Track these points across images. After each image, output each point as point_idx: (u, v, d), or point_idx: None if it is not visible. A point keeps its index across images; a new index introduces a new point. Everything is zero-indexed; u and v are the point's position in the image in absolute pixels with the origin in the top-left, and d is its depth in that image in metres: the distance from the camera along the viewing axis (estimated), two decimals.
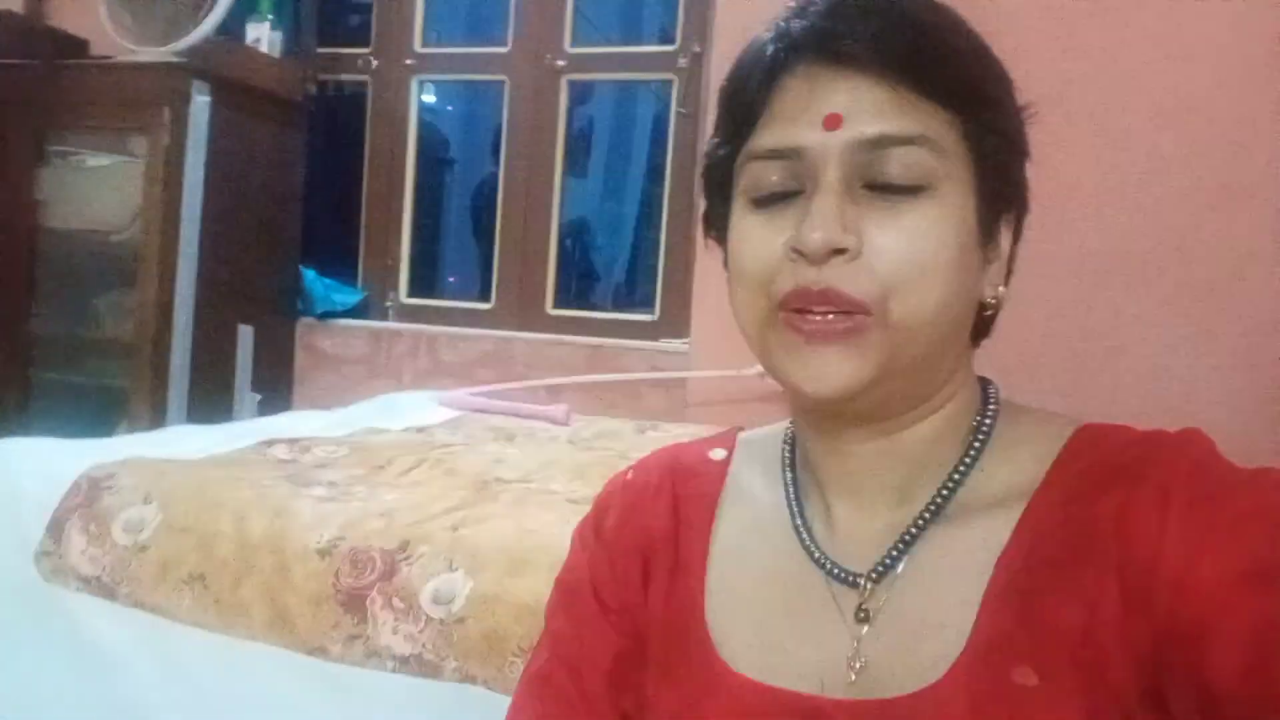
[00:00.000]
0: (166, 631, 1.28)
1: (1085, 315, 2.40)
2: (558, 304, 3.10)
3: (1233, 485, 0.56)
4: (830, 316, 0.60)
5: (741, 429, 0.83)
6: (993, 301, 0.67)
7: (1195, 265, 2.22)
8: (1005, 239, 0.66)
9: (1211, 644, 0.52)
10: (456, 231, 3.88)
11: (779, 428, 0.78)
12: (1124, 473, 0.59)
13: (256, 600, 1.26)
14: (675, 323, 2.82)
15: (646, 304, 3.02)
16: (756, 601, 0.69)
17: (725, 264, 0.69)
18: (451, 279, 4.00)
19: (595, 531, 0.79)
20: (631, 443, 2.17)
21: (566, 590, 0.79)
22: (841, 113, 0.60)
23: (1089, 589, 0.56)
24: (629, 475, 0.81)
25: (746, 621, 0.68)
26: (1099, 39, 2.26)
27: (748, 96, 0.64)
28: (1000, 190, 0.64)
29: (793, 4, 0.64)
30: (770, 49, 0.63)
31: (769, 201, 0.64)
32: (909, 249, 0.60)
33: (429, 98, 3.45)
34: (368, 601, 1.23)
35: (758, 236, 0.64)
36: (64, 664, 1.30)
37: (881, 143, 0.60)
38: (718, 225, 0.70)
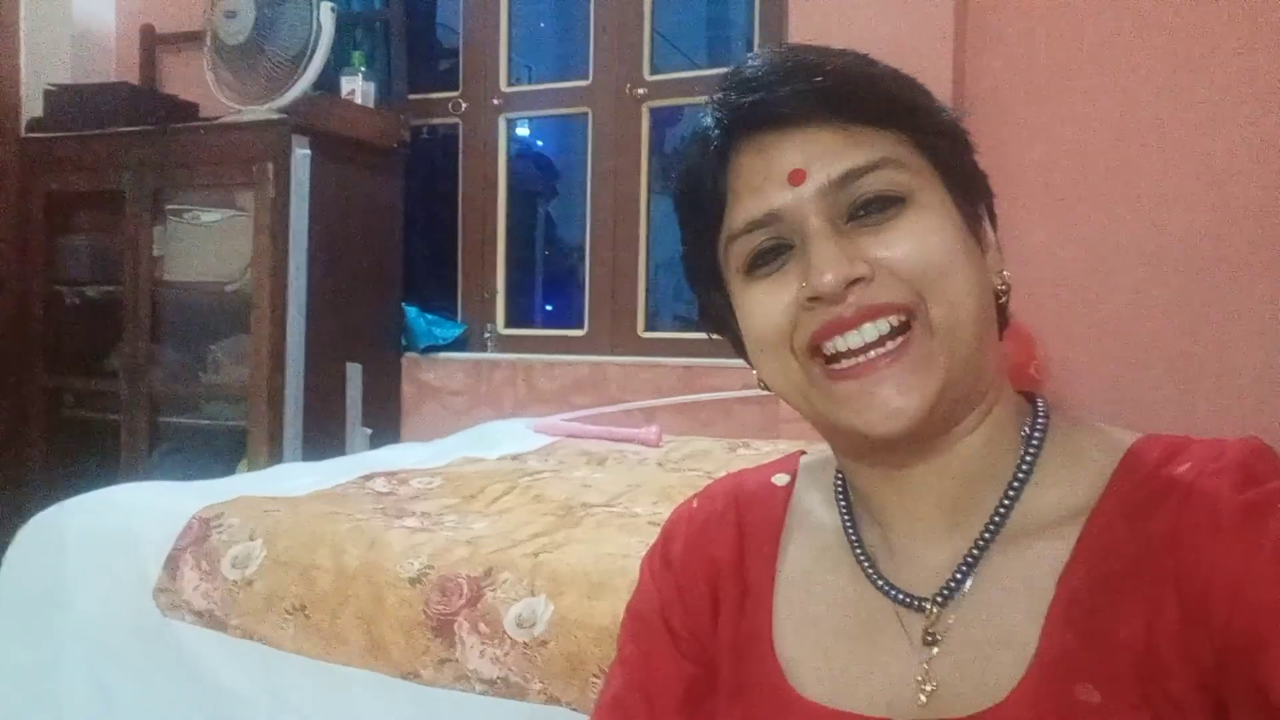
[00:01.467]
0: (273, 660, 1.36)
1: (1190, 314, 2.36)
2: (649, 327, 3.15)
3: None
4: (872, 354, 0.62)
5: (804, 451, 0.83)
6: (1003, 289, 0.68)
7: None
8: (987, 228, 0.68)
9: (1269, 656, 0.52)
10: (549, 261, 3.97)
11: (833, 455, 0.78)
12: (1180, 483, 0.59)
13: (353, 628, 1.33)
14: None
15: None
16: (824, 627, 0.70)
17: (736, 348, 0.71)
18: (549, 307, 4.08)
19: (663, 560, 0.80)
20: (721, 462, 2.19)
21: (637, 618, 0.80)
22: (802, 166, 0.62)
23: (1149, 603, 0.57)
24: (694, 504, 0.82)
25: (814, 647, 0.69)
26: None
27: (706, 185, 0.66)
28: (966, 183, 0.66)
29: (713, 95, 0.66)
30: (714, 137, 0.65)
31: (763, 266, 0.65)
32: (920, 252, 0.62)
33: (522, 130, 3.54)
34: (455, 626, 1.29)
35: (767, 301, 0.65)
36: (180, 693, 1.39)
37: (849, 178, 0.62)
38: (718, 315, 0.72)
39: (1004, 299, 0.68)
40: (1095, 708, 0.56)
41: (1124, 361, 2.44)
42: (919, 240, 0.62)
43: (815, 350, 0.64)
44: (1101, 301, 2.49)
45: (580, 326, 3.24)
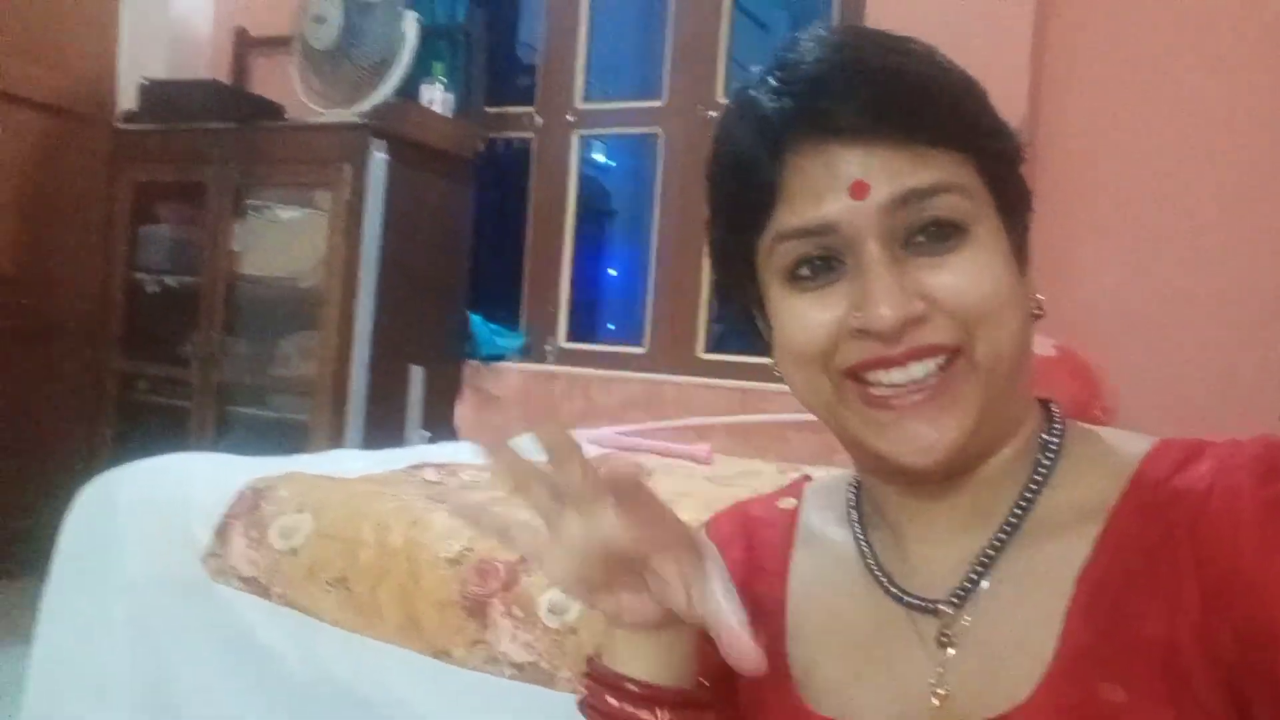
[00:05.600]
0: (312, 629, 1.39)
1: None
2: (709, 348, 3.16)
3: None
4: (918, 380, 0.61)
5: (809, 478, 0.83)
6: (1038, 314, 0.66)
7: None
8: (1026, 248, 0.67)
9: None
10: (614, 278, 4.01)
11: (846, 473, 0.78)
12: (1201, 479, 0.59)
13: (391, 603, 1.35)
14: None
15: None
16: (836, 641, 0.69)
17: (766, 339, 0.69)
18: (611, 326, 4.12)
19: None
20: (772, 482, 2.17)
21: None
22: (865, 180, 0.60)
23: (1170, 599, 0.56)
24: (700, 532, 0.82)
25: (827, 661, 0.69)
26: None
27: (759, 177, 0.62)
28: (1015, 203, 0.65)
29: (772, 79, 0.62)
30: (771, 128, 0.62)
31: (809, 279, 0.63)
32: (976, 291, 0.60)
33: (599, 157, 3.58)
34: (489, 609, 1.30)
35: (810, 317, 0.63)
36: (224, 652, 1.43)
37: (911, 198, 0.60)
38: (743, 300, 0.70)
39: (1035, 320, 0.67)
40: (1121, 706, 0.55)
41: (1193, 405, 2.39)
42: (975, 278, 0.60)
43: (853, 375, 0.63)
44: (1172, 343, 2.44)
45: (640, 344, 3.26)
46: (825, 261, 0.62)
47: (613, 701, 0.65)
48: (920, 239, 0.61)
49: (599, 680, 0.66)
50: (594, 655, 0.69)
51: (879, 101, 0.59)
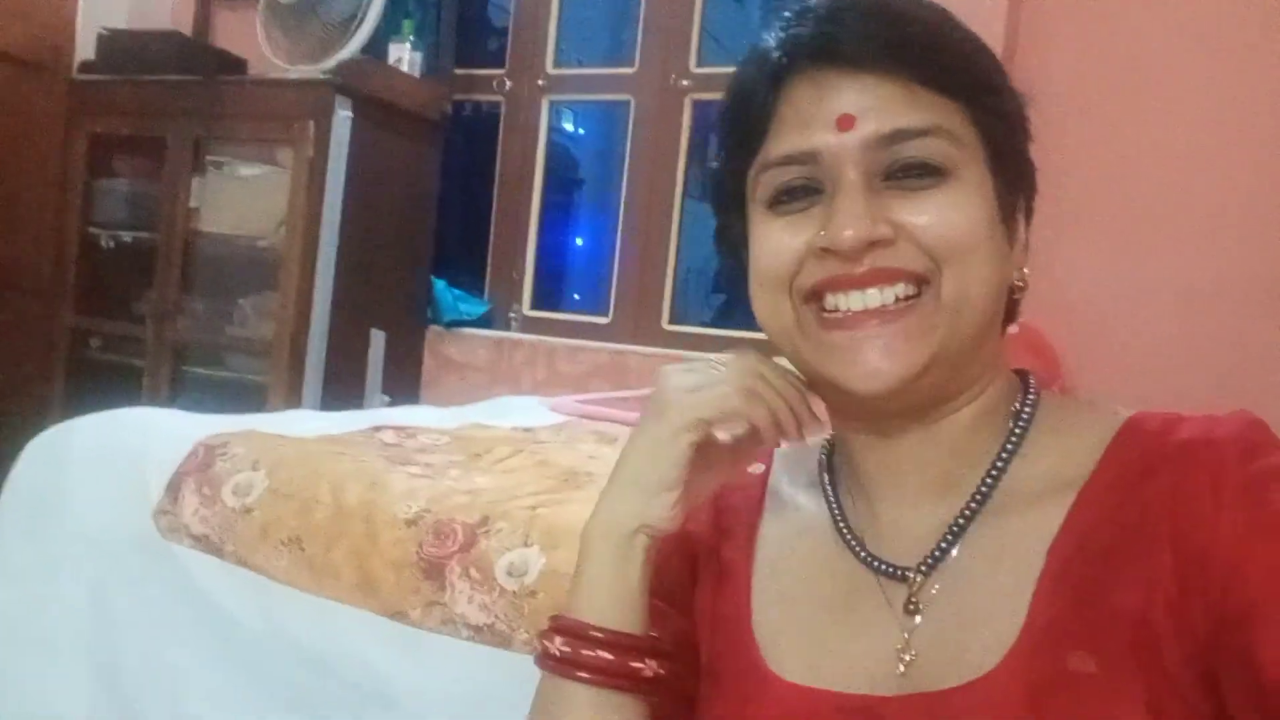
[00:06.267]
0: (266, 589, 1.36)
1: None
2: (674, 320, 3.15)
3: None
4: (874, 309, 0.61)
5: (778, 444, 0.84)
6: (1020, 285, 0.67)
7: None
8: (1021, 222, 0.67)
9: (1261, 631, 0.52)
10: (580, 248, 3.98)
11: (817, 441, 0.78)
12: (1177, 455, 0.58)
13: (346, 563, 1.33)
14: None
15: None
16: (803, 606, 0.69)
17: (744, 274, 0.69)
18: (576, 296, 4.09)
19: None
20: None
21: None
22: (854, 113, 0.61)
23: (1144, 571, 0.56)
24: None
25: (794, 627, 0.68)
26: None
27: (755, 107, 0.64)
28: (1013, 171, 0.65)
29: (787, 14, 0.64)
30: (773, 57, 0.63)
31: (788, 204, 0.64)
32: (947, 227, 0.61)
33: (568, 125, 3.55)
34: (447, 570, 1.28)
35: (779, 238, 0.64)
36: (176, 608, 1.40)
37: (897, 138, 0.61)
38: (733, 239, 0.71)
39: (1019, 295, 0.68)
40: (1089, 677, 0.55)
41: (1156, 395, 2.41)
42: (949, 213, 0.61)
43: (814, 297, 0.63)
44: (1139, 332, 2.45)
45: (605, 314, 3.24)
46: (805, 190, 0.63)
47: (599, 654, 0.64)
48: (900, 175, 0.61)
49: (576, 635, 0.65)
50: (560, 614, 0.68)
51: (883, 34, 0.61)
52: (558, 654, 0.65)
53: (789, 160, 0.63)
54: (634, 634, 0.66)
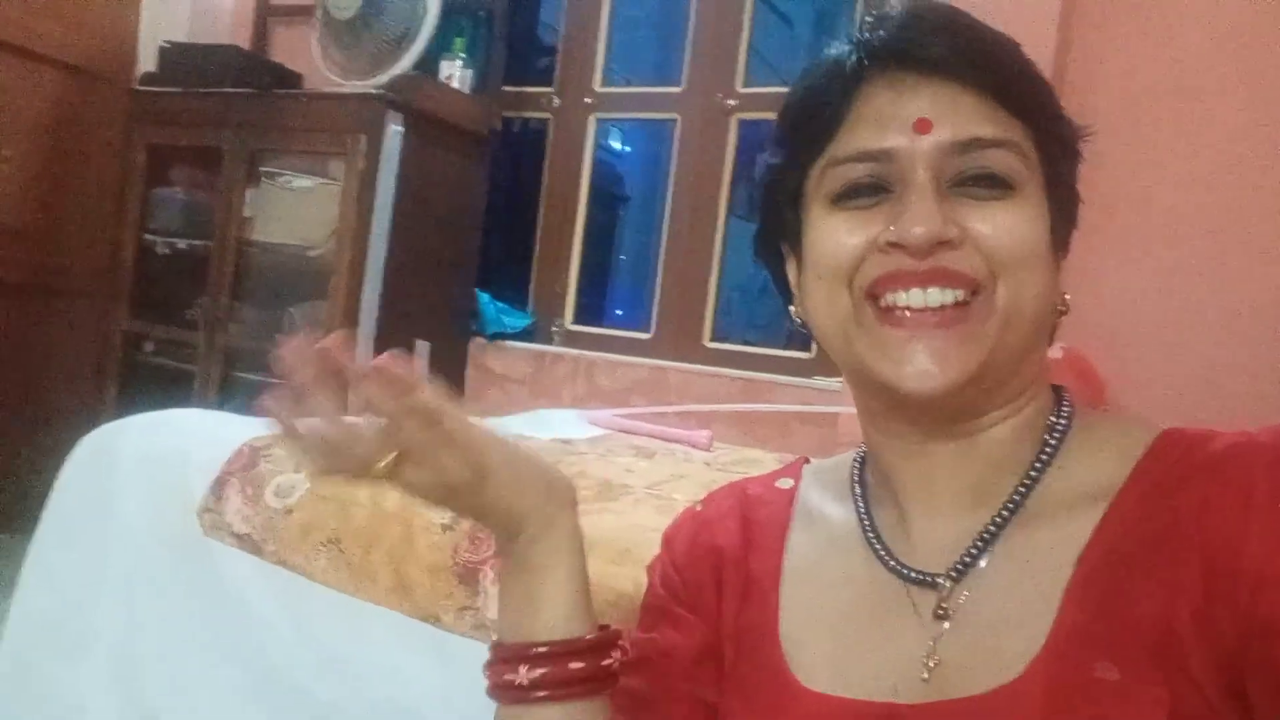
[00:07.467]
0: (303, 590, 1.39)
1: None
2: (715, 337, 3.16)
3: None
4: (934, 309, 0.62)
5: (808, 460, 0.84)
6: (1062, 309, 0.68)
7: None
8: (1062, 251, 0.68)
9: None
10: (624, 264, 4.01)
11: (847, 456, 0.79)
12: (1209, 466, 0.59)
13: (382, 566, 1.35)
14: (830, 361, 2.81)
15: (804, 341, 3.02)
16: (830, 615, 0.70)
17: (798, 270, 0.71)
18: (619, 311, 4.12)
19: (668, 554, 0.81)
20: (770, 470, 2.17)
21: (644, 611, 0.81)
22: (931, 117, 0.62)
23: (1171, 581, 0.56)
24: (698, 508, 0.83)
25: (821, 636, 0.69)
26: None
27: (829, 105, 0.65)
28: (1065, 199, 0.67)
29: (861, 26, 0.66)
30: (850, 58, 0.65)
31: (853, 200, 0.65)
32: (1011, 237, 0.62)
33: (615, 143, 3.58)
34: (480, 576, 1.30)
35: (843, 230, 0.65)
36: (210, 610, 1.43)
37: (972, 146, 0.62)
38: (788, 237, 0.72)
39: (1059, 318, 0.69)
40: (1113, 685, 0.55)
41: (1201, 418, 2.37)
42: (1012, 225, 0.62)
43: (872, 294, 0.64)
44: (1185, 356, 2.42)
45: (646, 330, 3.25)
46: (872, 188, 0.64)
47: (533, 671, 0.67)
48: (969, 184, 0.63)
49: (511, 658, 0.68)
50: (496, 641, 0.70)
51: (963, 45, 0.63)
52: (526, 682, 0.67)
53: (862, 157, 0.64)
54: (568, 639, 0.68)
